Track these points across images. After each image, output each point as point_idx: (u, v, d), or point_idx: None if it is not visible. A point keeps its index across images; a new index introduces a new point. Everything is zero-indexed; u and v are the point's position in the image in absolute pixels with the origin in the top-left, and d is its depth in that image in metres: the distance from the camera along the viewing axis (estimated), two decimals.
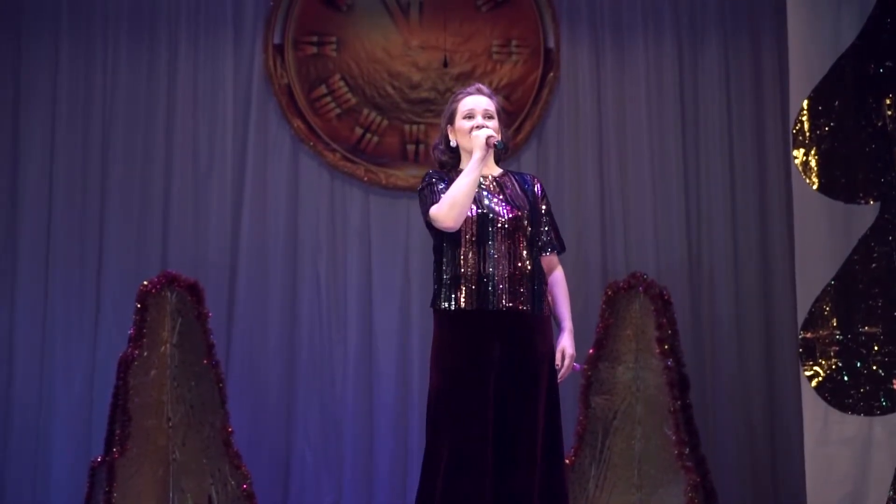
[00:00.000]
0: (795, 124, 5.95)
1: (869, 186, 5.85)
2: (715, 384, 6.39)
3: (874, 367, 5.75)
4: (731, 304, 6.46)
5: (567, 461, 5.42)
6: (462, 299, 3.95)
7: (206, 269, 6.18)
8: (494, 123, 4.09)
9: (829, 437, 5.77)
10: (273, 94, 6.47)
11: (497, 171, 4.15)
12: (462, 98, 4.14)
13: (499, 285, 3.94)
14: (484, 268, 3.96)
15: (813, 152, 5.92)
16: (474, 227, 3.97)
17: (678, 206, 6.53)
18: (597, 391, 5.61)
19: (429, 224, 4.00)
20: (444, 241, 4.02)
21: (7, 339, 6.20)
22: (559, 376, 4.06)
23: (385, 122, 6.49)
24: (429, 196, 4.00)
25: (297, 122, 6.45)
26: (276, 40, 6.47)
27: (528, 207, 4.06)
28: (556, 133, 6.59)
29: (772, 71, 6.60)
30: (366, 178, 6.45)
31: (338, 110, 6.49)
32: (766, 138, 6.59)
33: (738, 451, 6.34)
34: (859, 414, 5.75)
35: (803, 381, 5.85)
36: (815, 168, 5.90)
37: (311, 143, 6.45)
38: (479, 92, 4.14)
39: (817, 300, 5.82)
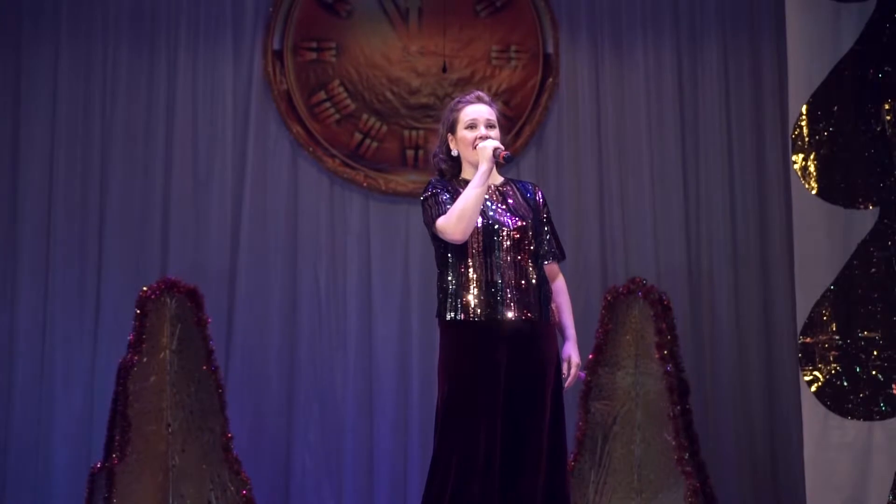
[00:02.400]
0: (794, 129, 5.95)
1: (868, 191, 5.85)
2: (714, 389, 6.39)
3: (874, 372, 5.75)
4: (731, 309, 6.46)
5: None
6: (470, 310, 3.95)
7: (206, 275, 6.17)
8: (496, 133, 4.09)
9: (828, 442, 5.77)
10: (272, 100, 6.47)
11: (499, 179, 4.15)
12: (463, 107, 4.11)
13: (507, 295, 3.95)
14: (491, 278, 3.96)
15: (812, 157, 5.92)
16: (480, 237, 3.98)
17: (678, 211, 6.53)
18: (596, 396, 5.60)
19: (433, 234, 4.01)
20: (450, 252, 4.02)
21: (7, 344, 6.20)
22: (565, 384, 4.07)
23: (384, 128, 6.50)
24: (433, 207, 4.00)
25: (297, 128, 6.45)
26: (276, 46, 6.47)
27: (531, 217, 4.07)
28: (555, 138, 6.59)
29: (771, 76, 6.60)
30: (365, 184, 6.46)
31: (337, 116, 6.49)
32: (766, 143, 6.59)
33: (737, 456, 6.33)
34: (859, 419, 5.75)
35: (803, 387, 5.84)
36: (815, 173, 5.90)
37: (311, 149, 6.45)
38: (480, 100, 4.13)
39: (817, 305, 5.82)
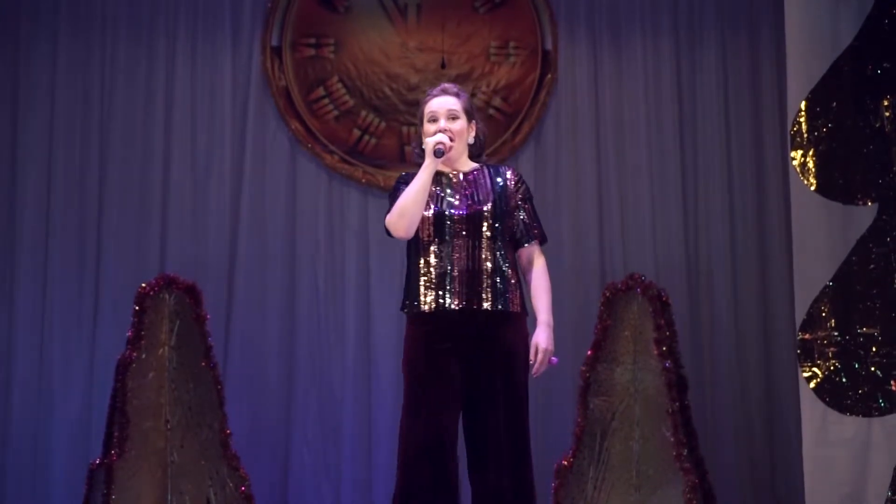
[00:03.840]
0: (793, 125, 5.96)
1: (867, 187, 5.85)
2: (713, 385, 6.39)
3: (872, 369, 5.75)
4: (730, 305, 6.46)
5: (565, 462, 5.43)
6: (423, 301, 3.96)
7: (205, 271, 6.18)
8: (459, 124, 4.09)
9: (827, 439, 5.78)
10: (271, 96, 6.47)
11: (469, 166, 4.13)
12: (428, 101, 4.15)
13: (457, 284, 3.94)
14: (442, 268, 3.96)
15: (811, 153, 5.92)
16: (431, 227, 3.99)
17: (676, 207, 6.53)
18: (595, 392, 5.59)
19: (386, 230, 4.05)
20: (408, 245, 4.06)
21: (6, 341, 6.20)
22: (533, 371, 4.04)
23: (383, 124, 6.49)
24: (391, 204, 4.05)
25: (295, 124, 6.44)
26: (274, 42, 6.47)
27: (492, 202, 4.04)
28: (553, 134, 6.58)
29: (770, 72, 6.59)
30: (364, 180, 6.45)
31: (336, 112, 6.49)
32: (764, 139, 6.58)
33: (736, 452, 6.33)
34: (858, 415, 5.75)
35: (801, 383, 5.85)
36: (813, 169, 5.90)
37: (309, 145, 6.45)
38: (444, 92, 4.14)
39: (815, 301, 5.82)
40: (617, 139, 6.55)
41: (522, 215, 4.12)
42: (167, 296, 5.44)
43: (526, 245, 4.11)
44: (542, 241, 4.17)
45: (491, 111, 6.51)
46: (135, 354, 5.35)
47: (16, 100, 6.35)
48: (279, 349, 6.34)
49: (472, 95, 6.48)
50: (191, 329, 5.47)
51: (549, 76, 6.56)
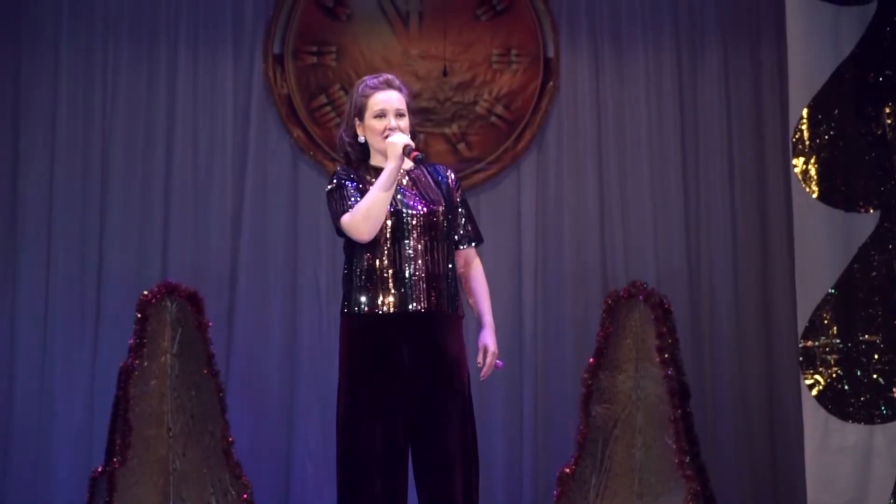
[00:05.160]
0: (795, 133, 5.95)
1: (869, 195, 5.85)
2: (715, 393, 6.38)
3: (874, 376, 5.75)
4: (732, 313, 6.46)
5: (567, 470, 5.44)
6: (377, 302, 3.88)
7: (207, 279, 6.18)
8: (405, 122, 3.98)
9: (829, 446, 5.77)
10: (273, 104, 6.47)
11: (409, 164, 4.00)
12: (371, 94, 3.98)
13: (416, 285, 3.85)
14: (400, 267, 3.86)
15: (813, 161, 5.92)
16: (389, 224, 3.87)
17: (678, 214, 6.53)
18: (597, 400, 5.60)
19: (338, 228, 3.92)
20: (351, 242, 3.94)
21: (8, 348, 6.20)
22: (481, 374, 3.98)
23: None
24: (338, 201, 3.89)
25: (297, 132, 6.45)
26: (276, 50, 6.47)
27: (443, 202, 3.97)
28: (555, 142, 6.58)
29: (771, 79, 6.60)
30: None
31: (338, 120, 6.49)
32: (766, 147, 6.59)
33: (738, 460, 6.33)
34: (860, 422, 5.74)
35: (803, 390, 5.84)
36: (815, 176, 5.90)
37: (311, 153, 6.46)
38: (389, 86, 4.01)
39: (817, 309, 5.81)
40: (618, 147, 6.56)
41: (462, 217, 4.06)
42: (169, 303, 5.45)
43: (464, 247, 4.04)
44: (479, 242, 4.11)
45: (493, 118, 6.52)
46: (137, 362, 5.36)
47: (17, 103, 6.34)
48: (281, 357, 6.34)
49: (475, 103, 6.50)
50: (193, 337, 5.48)
51: (551, 84, 6.56)
